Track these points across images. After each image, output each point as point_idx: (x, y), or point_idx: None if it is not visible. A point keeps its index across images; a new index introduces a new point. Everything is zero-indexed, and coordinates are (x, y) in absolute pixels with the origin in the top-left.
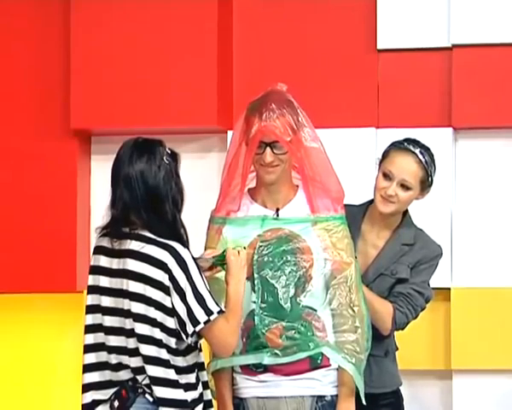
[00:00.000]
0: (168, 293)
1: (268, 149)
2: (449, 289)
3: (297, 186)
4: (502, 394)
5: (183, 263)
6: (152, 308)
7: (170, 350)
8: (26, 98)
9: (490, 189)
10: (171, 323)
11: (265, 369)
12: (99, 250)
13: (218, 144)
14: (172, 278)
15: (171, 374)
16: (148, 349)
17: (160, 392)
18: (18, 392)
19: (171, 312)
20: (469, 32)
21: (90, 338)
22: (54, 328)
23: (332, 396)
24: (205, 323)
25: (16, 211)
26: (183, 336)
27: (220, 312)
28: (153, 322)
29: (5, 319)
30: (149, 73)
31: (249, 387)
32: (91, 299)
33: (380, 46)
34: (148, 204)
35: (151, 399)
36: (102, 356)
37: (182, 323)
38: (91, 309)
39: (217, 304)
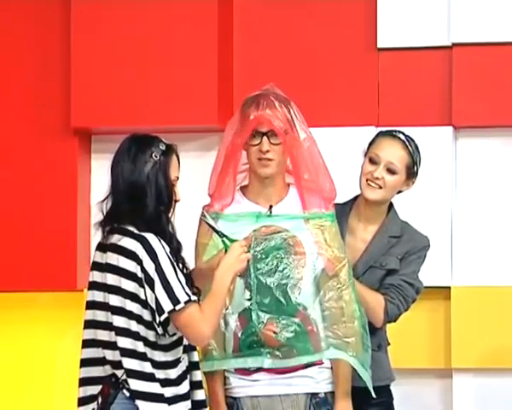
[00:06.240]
0: (142, 285)
1: (265, 138)
2: (449, 287)
3: (288, 185)
4: (502, 393)
5: (153, 253)
6: (128, 301)
7: (147, 343)
8: (27, 97)
9: (490, 187)
10: (148, 316)
11: (258, 368)
12: (97, 246)
13: (218, 143)
14: (143, 269)
15: (146, 367)
16: (124, 342)
17: (135, 385)
18: (18, 391)
19: (146, 304)
20: (470, 30)
21: (86, 334)
22: (54, 327)
23: (326, 393)
24: (169, 312)
25: (17, 210)
26: (156, 327)
27: (189, 301)
28: (129, 315)
29: (6, 317)
30: (150, 72)
31: (243, 386)
32: (88, 295)
33: (380, 45)
34: (131, 200)
35: (128, 394)
36: (95, 352)
37: (153, 313)
38: (88, 305)
39: (187, 294)
